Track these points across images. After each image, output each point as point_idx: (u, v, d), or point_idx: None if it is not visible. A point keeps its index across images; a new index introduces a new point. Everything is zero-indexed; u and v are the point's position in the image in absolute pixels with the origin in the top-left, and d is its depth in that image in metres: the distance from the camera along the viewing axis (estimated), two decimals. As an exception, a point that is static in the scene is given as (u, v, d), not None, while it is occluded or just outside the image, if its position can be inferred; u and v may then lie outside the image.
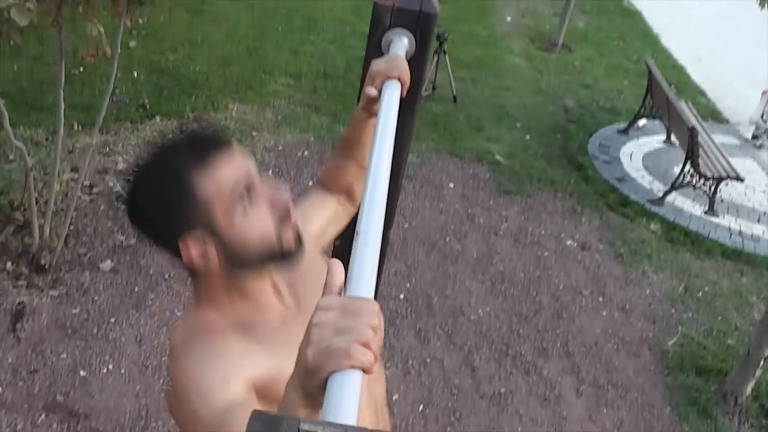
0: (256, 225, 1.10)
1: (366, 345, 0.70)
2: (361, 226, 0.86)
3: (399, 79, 1.24)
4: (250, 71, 6.34)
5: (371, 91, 1.25)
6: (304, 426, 0.53)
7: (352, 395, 0.65)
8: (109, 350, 3.27)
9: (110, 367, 3.19)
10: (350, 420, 0.60)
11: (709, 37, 10.22)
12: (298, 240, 1.15)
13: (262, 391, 1.03)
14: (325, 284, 0.80)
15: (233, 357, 1.05)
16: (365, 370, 0.70)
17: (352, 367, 0.69)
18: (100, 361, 3.20)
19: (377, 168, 0.99)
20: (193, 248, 1.09)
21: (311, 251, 1.36)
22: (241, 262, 1.12)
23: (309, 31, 7.59)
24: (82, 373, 3.13)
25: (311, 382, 0.71)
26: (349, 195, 1.51)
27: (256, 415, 0.54)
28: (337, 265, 0.81)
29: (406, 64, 1.26)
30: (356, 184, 1.49)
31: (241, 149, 1.15)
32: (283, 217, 1.13)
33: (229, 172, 1.08)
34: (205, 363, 1.04)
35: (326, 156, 5.10)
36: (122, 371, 3.18)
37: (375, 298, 0.80)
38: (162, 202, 1.08)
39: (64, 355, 3.20)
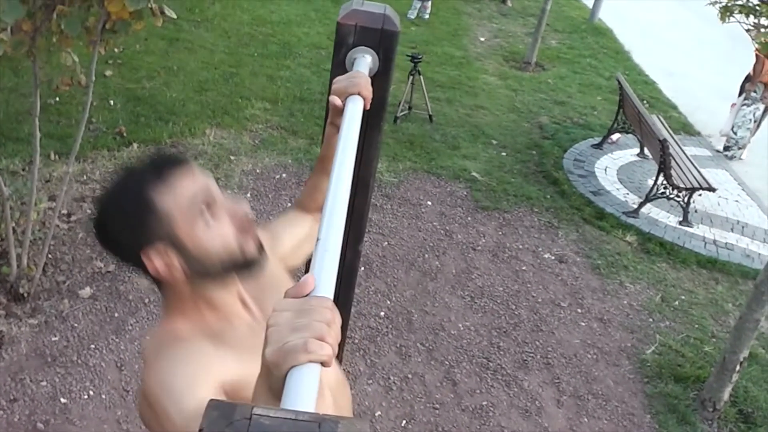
0: (216, 234, 1.15)
1: (321, 339, 0.74)
2: (322, 233, 0.90)
3: (360, 95, 1.28)
4: (226, 97, 6.39)
5: (335, 99, 1.29)
6: (257, 411, 0.56)
7: (309, 387, 0.68)
8: (90, 377, 3.26)
9: (91, 393, 3.18)
10: (307, 409, 0.63)
11: (679, 53, 10.44)
12: (260, 249, 1.20)
13: (231, 395, 1.06)
14: (286, 291, 0.83)
15: (202, 360, 1.09)
16: (323, 363, 0.73)
17: (310, 361, 0.72)
18: (80, 387, 3.19)
19: (338, 178, 1.03)
20: (157, 260, 1.14)
21: (278, 268, 1.40)
22: (205, 272, 1.16)
23: (285, 56, 7.67)
24: (62, 400, 3.12)
25: (274, 380, 0.75)
26: None
27: (212, 404, 0.58)
28: (310, 279, 0.83)
29: (366, 80, 1.31)
30: None
31: (201, 168, 1.20)
32: (244, 227, 1.18)
33: (187, 187, 1.14)
34: (176, 366, 1.07)
35: (304, 178, 5.14)
36: (103, 397, 3.17)
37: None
38: (125, 219, 1.13)
39: (44, 383, 3.19)
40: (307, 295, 0.81)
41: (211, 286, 1.19)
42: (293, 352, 0.73)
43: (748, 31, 4.52)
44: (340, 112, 1.29)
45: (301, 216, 1.55)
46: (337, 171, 1.04)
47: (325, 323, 0.76)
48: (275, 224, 1.53)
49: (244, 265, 1.19)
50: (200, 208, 1.14)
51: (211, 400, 0.58)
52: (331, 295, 0.81)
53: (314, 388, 0.69)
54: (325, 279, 0.82)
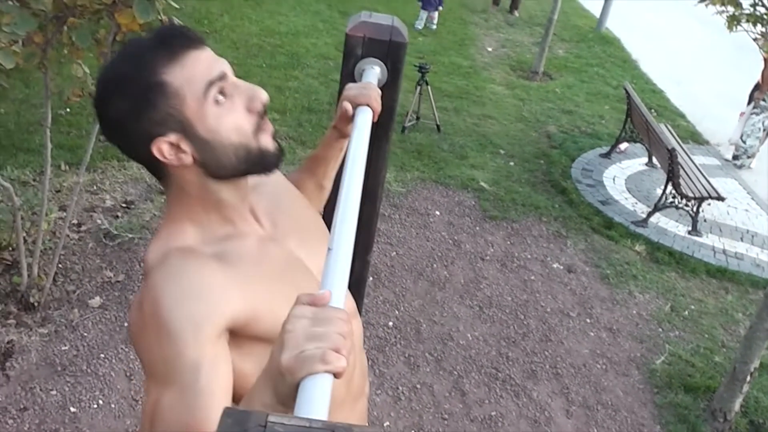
0: (231, 121, 1.05)
1: (337, 350, 0.75)
2: (333, 243, 0.91)
3: (370, 106, 1.29)
4: (235, 107, 6.41)
5: (347, 105, 1.28)
6: (272, 418, 0.57)
7: (322, 396, 0.69)
8: (99, 386, 3.27)
9: (100, 402, 3.19)
10: (320, 418, 0.64)
11: (687, 62, 10.44)
12: (278, 144, 1.11)
13: (236, 332, 1.01)
14: (298, 297, 0.83)
15: (209, 296, 1.00)
16: (336, 375, 0.74)
17: (326, 371, 0.73)
18: (90, 397, 3.21)
19: (349, 188, 1.04)
20: (166, 149, 1.04)
21: (295, 192, 1.35)
22: (217, 162, 1.07)
23: (293, 67, 7.70)
24: (72, 409, 3.13)
25: (283, 385, 0.75)
26: None
27: (227, 412, 0.58)
28: (327, 293, 0.83)
29: (376, 92, 1.32)
30: (310, 201, 1.46)
31: (214, 51, 1.09)
32: (261, 117, 1.08)
33: (202, 67, 1.03)
34: (181, 299, 0.98)
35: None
36: (112, 406, 3.18)
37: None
38: (131, 98, 1.02)
39: (53, 392, 3.20)
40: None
41: (223, 187, 1.10)
42: (310, 361, 0.74)
43: (755, 39, 4.52)
44: (346, 118, 1.30)
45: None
46: (348, 181, 1.05)
47: (341, 335, 0.76)
48: None
49: (259, 160, 1.09)
50: (214, 89, 1.03)
51: (225, 408, 0.59)
52: (343, 305, 0.82)
53: (327, 398, 0.69)
54: (337, 289, 0.83)
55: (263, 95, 1.08)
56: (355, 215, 0.98)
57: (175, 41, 1.03)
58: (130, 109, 1.02)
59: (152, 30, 1.07)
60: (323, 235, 1.27)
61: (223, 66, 1.06)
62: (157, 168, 1.08)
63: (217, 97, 1.04)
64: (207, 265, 1.04)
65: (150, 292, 1.00)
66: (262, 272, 1.10)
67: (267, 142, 1.09)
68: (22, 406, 3.11)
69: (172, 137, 1.03)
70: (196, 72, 1.02)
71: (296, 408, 0.67)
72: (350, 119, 1.29)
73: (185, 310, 0.97)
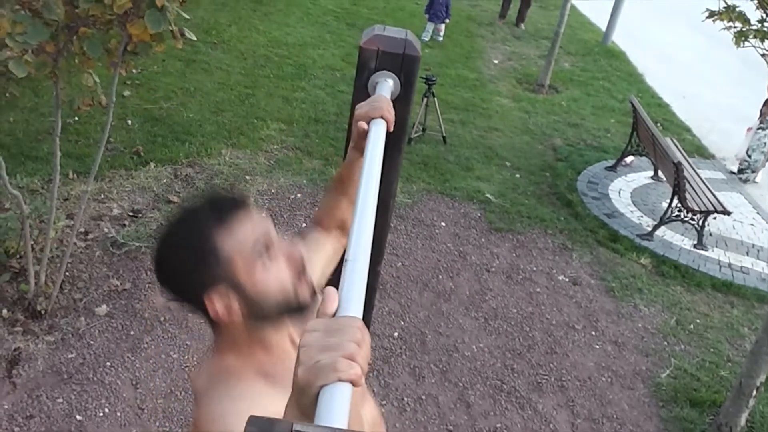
0: (274, 279, 1.16)
1: (351, 358, 0.75)
2: (350, 254, 0.92)
3: (383, 117, 1.30)
4: (242, 118, 6.45)
5: (362, 124, 1.31)
6: (297, 427, 0.58)
7: (341, 405, 0.70)
8: (105, 394, 3.28)
9: (106, 410, 3.19)
10: (340, 426, 0.64)
11: (692, 76, 10.46)
12: (313, 293, 1.21)
13: None
14: (318, 310, 0.84)
15: (257, 399, 1.09)
16: (353, 383, 0.74)
17: (340, 380, 0.73)
18: (96, 405, 3.21)
19: (365, 199, 1.05)
20: (218, 303, 1.15)
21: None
22: (262, 315, 1.18)
23: (300, 78, 7.74)
24: (78, 417, 3.14)
25: (304, 400, 0.76)
26: (343, 230, 1.57)
27: (251, 420, 0.59)
28: (332, 292, 0.85)
29: (388, 104, 1.33)
30: (349, 220, 1.54)
31: (258, 211, 1.22)
32: (299, 272, 1.20)
33: (248, 230, 1.16)
34: (231, 404, 1.08)
35: (318, 198, 5.17)
36: (118, 415, 3.19)
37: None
38: (187, 262, 1.15)
39: (60, 400, 3.21)
40: (335, 313, 0.82)
41: (265, 329, 1.21)
42: (323, 371, 0.74)
43: (763, 55, 4.53)
44: (364, 135, 1.31)
45: (323, 236, 1.57)
46: (364, 192, 1.06)
47: (355, 342, 0.77)
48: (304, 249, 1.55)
49: (298, 309, 1.20)
50: (260, 251, 1.16)
51: (251, 416, 0.60)
52: (360, 314, 0.82)
53: (345, 406, 0.70)
54: (354, 299, 0.84)
55: (300, 252, 1.21)
56: (371, 226, 0.99)
57: (224, 207, 1.17)
58: (186, 272, 1.15)
59: (204, 195, 1.21)
60: None
61: (266, 226, 1.19)
62: (207, 314, 1.19)
63: (264, 260, 1.16)
64: (252, 379, 1.15)
65: (202, 410, 1.11)
66: None
67: (305, 294, 1.20)
68: (28, 414, 3.12)
69: (224, 295, 1.15)
70: (245, 238, 1.15)
71: (316, 419, 0.67)
72: (366, 135, 1.31)
73: (236, 411, 1.04)
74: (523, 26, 11.58)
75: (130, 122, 5.93)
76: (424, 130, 6.69)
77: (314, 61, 8.34)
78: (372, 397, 1.43)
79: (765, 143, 6.88)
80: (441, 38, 10.08)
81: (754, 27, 4.29)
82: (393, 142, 1.48)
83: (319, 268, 1.50)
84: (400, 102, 1.46)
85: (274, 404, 1.07)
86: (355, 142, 1.38)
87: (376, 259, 1.71)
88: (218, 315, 1.16)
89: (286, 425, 0.58)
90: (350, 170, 1.48)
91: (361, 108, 1.34)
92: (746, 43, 4.34)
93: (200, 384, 1.18)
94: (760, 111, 7.05)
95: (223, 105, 6.68)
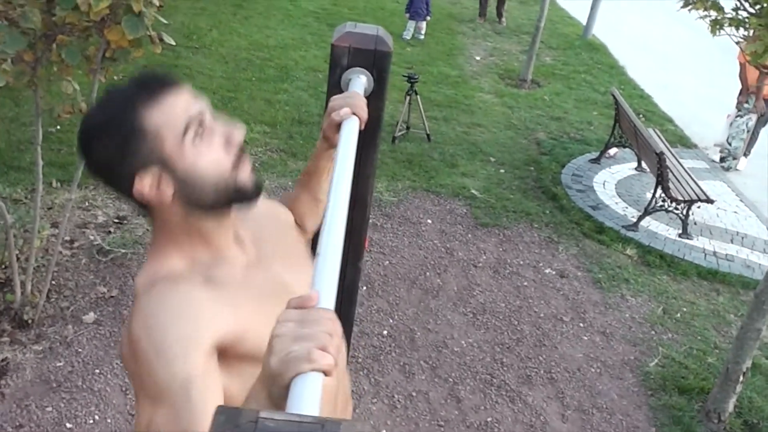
0: (210, 159, 1.10)
1: (324, 349, 0.76)
2: (321, 247, 0.93)
3: (356, 114, 1.31)
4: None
5: (335, 115, 1.31)
6: (263, 414, 0.59)
7: (312, 394, 0.71)
8: (95, 401, 3.27)
9: (96, 418, 3.19)
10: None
11: (673, 67, 10.54)
12: (256, 180, 1.16)
13: (224, 352, 1.05)
14: (290, 300, 0.85)
15: (198, 316, 1.04)
16: (326, 372, 0.76)
17: (313, 370, 0.75)
18: (86, 412, 3.20)
19: (336, 194, 1.06)
20: (147, 183, 1.09)
21: (280, 219, 1.43)
22: (198, 199, 1.12)
23: (282, 80, 7.74)
24: (68, 425, 3.13)
25: (275, 388, 0.77)
26: (301, 226, 1.56)
27: (219, 410, 0.60)
28: (314, 294, 0.85)
29: (362, 101, 1.34)
30: (308, 216, 1.55)
31: (195, 91, 1.14)
32: (238, 154, 1.14)
33: (180, 107, 1.09)
34: (170, 320, 1.03)
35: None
36: (108, 422, 3.18)
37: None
38: (113, 141, 1.08)
39: (49, 409, 3.20)
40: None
41: (205, 218, 1.15)
42: (296, 361, 0.75)
43: (738, 43, 4.57)
44: (335, 127, 1.32)
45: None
46: (335, 188, 1.07)
47: (328, 333, 0.78)
48: None
49: (238, 195, 1.14)
50: (194, 129, 1.09)
51: (218, 406, 0.61)
52: (332, 306, 0.84)
53: (317, 395, 0.71)
54: (326, 291, 0.85)
55: (240, 132, 1.14)
56: (343, 219, 1.00)
57: (153, 85, 1.10)
58: (113, 151, 1.08)
59: (132, 76, 1.13)
60: (308, 261, 1.35)
61: (201, 106, 1.12)
62: (141, 203, 1.14)
63: (194, 136, 1.09)
64: (194, 288, 1.09)
65: (140, 315, 1.05)
66: (248, 295, 1.14)
67: (245, 177, 1.14)
68: (17, 424, 3.11)
69: (153, 175, 1.09)
70: (174, 113, 1.08)
71: (287, 407, 0.68)
72: (338, 128, 1.31)
73: (175, 330, 1.01)
74: (503, 21, 11.62)
75: (112, 129, 5.90)
76: (408, 128, 6.70)
77: (296, 62, 8.34)
78: (348, 376, 1.41)
79: (743, 130, 6.94)
80: (422, 36, 10.10)
81: (729, 15, 4.33)
82: (368, 138, 1.49)
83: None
84: (374, 97, 1.47)
85: (216, 321, 1.05)
86: (325, 132, 1.38)
87: (357, 255, 1.73)
88: (144, 195, 1.09)
89: (253, 414, 0.59)
90: (316, 162, 1.49)
91: (335, 101, 1.34)
92: (722, 32, 4.38)
93: (141, 285, 1.11)
94: (737, 99, 7.12)
95: (206, 109, 6.65)
